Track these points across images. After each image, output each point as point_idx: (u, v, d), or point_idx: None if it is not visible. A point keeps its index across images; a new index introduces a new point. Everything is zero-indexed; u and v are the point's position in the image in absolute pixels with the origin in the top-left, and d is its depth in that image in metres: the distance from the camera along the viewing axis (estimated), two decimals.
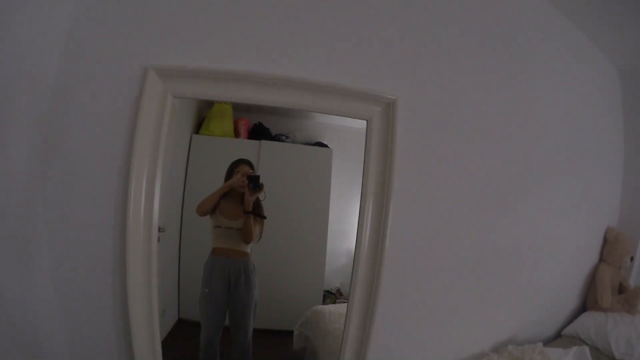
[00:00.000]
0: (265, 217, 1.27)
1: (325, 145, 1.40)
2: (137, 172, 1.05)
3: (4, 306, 0.97)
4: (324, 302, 1.39)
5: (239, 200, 1.25)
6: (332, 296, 1.40)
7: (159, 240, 1.26)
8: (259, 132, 1.36)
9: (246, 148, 1.34)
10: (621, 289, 1.80)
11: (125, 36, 1.08)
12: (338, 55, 1.17)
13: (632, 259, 1.80)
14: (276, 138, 1.37)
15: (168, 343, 1.27)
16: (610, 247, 1.81)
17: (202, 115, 1.37)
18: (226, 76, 1.08)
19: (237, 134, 1.36)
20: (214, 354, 1.28)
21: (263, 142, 1.36)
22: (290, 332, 1.36)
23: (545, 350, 1.38)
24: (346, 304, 1.18)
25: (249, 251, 1.28)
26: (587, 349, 1.44)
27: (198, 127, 1.36)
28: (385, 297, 1.15)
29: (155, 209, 1.08)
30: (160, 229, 1.26)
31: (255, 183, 1.23)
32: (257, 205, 1.26)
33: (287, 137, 1.37)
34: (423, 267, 1.27)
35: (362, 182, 1.15)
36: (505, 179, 1.40)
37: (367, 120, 1.17)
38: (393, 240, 1.14)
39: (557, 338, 1.70)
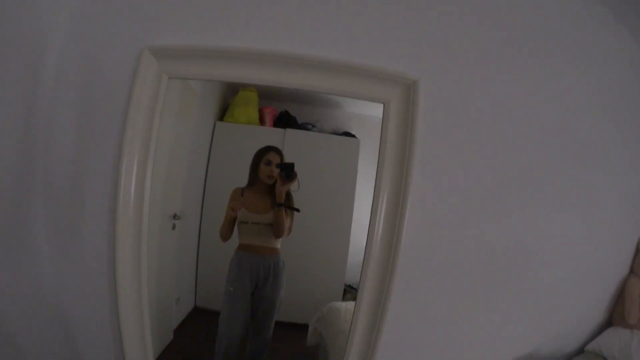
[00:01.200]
0: (298, 210, 1.17)
1: (353, 136, 1.36)
2: (128, 156, 1.02)
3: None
4: (344, 297, 1.34)
5: (266, 192, 1.19)
6: (353, 291, 1.36)
7: (174, 227, 1.25)
8: (284, 121, 1.33)
9: (270, 136, 1.32)
10: None
11: (122, 14, 1.06)
12: (352, 31, 1.06)
13: None
14: (302, 127, 1.34)
15: (182, 330, 1.27)
16: None
17: (227, 103, 1.36)
18: (224, 54, 1.01)
19: (262, 122, 1.34)
20: (234, 352, 1.22)
21: (288, 130, 1.33)
22: (306, 326, 1.33)
23: None
24: None
25: (279, 247, 1.22)
26: None
27: (222, 115, 1.35)
28: (397, 299, 1.07)
29: (146, 194, 1.04)
30: (176, 216, 1.25)
31: (288, 171, 1.14)
32: (287, 196, 1.19)
33: (313, 126, 1.34)
34: (439, 270, 1.19)
35: (377, 172, 1.05)
36: (531, 178, 1.29)
37: (383, 104, 1.06)
38: (407, 238, 1.05)
39: (580, 354, 1.62)
